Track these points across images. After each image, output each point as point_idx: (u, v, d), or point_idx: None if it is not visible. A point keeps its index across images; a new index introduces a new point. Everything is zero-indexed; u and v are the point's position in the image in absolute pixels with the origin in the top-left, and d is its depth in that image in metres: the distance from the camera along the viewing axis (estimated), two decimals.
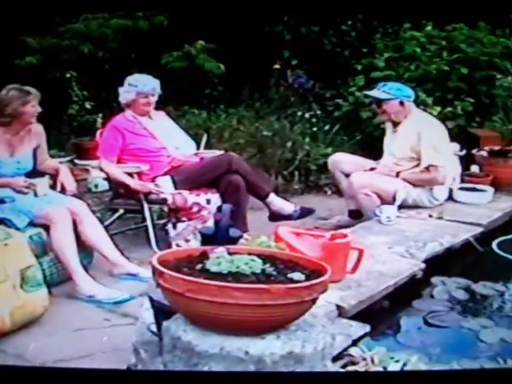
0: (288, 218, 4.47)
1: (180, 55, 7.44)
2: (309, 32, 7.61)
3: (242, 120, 6.74)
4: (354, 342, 2.61)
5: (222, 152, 4.73)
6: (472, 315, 3.07)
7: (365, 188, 4.39)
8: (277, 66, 7.37)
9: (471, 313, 3.11)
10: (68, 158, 6.31)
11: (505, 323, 2.97)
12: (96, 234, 3.89)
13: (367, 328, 2.71)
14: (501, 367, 2.53)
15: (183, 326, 2.24)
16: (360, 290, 2.98)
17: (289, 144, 6.13)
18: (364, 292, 2.98)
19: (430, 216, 4.28)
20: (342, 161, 4.79)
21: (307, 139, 6.26)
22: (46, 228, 3.73)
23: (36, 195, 3.86)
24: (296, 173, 6.05)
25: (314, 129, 6.51)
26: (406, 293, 3.16)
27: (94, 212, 4.11)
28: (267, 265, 2.31)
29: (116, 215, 4.65)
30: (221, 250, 2.39)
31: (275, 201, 4.54)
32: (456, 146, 4.90)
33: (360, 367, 2.46)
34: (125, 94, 4.58)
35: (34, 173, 4.05)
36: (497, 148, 5.18)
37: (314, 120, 6.68)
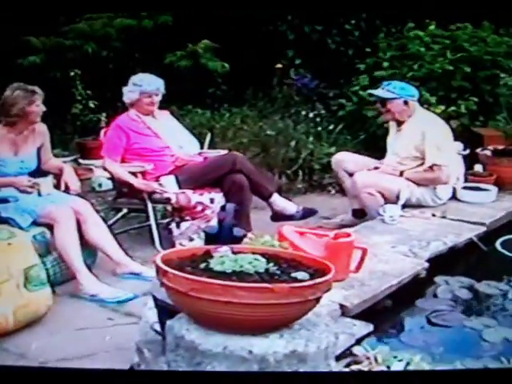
0: (290, 218, 4.47)
1: (184, 54, 7.44)
2: (312, 31, 7.60)
3: (246, 119, 6.75)
4: (358, 341, 2.61)
5: (225, 151, 4.74)
6: (475, 314, 3.07)
7: (368, 187, 4.38)
8: (279, 66, 7.36)
9: (475, 312, 3.11)
10: (72, 158, 6.32)
11: (508, 322, 2.96)
12: (100, 233, 3.89)
13: (370, 327, 2.71)
14: (504, 367, 2.53)
15: (186, 325, 2.24)
16: (363, 289, 2.98)
17: (292, 143, 6.13)
18: (367, 291, 2.97)
19: (434, 215, 4.28)
20: (345, 160, 4.78)
21: (311, 138, 6.26)
22: (50, 227, 3.73)
23: (40, 194, 3.86)
24: (300, 172, 6.05)
25: (318, 128, 6.51)
26: (410, 292, 3.16)
27: (97, 211, 4.11)
28: (271, 264, 2.30)
29: (120, 214, 4.66)
30: (224, 249, 2.39)
31: (278, 201, 4.54)
32: (460, 145, 4.89)
33: (363, 366, 2.45)
34: (129, 93, 4.58)
35: (38, 172, 4.05)
36: (500, 147, 5.17)
37: (317, 119, 6.68)
